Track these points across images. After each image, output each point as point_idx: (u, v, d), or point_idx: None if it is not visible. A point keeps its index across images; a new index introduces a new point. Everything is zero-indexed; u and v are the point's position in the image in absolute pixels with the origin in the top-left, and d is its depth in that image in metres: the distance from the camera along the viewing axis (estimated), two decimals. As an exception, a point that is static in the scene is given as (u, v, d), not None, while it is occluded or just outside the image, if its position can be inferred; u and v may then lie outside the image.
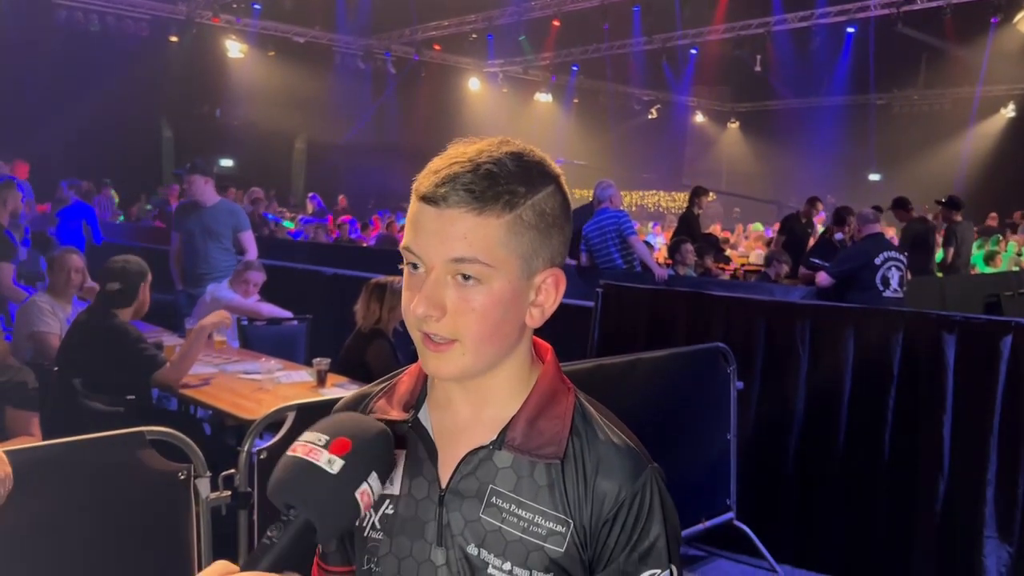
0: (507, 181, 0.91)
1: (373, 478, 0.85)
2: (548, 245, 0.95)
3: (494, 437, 0.98)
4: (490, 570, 0.95)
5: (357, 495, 0.83)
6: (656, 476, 0.98)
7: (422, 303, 0.91)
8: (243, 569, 0.77)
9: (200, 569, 2.20)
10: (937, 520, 3.48)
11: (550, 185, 0.95)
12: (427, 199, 0.92)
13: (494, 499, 0.96)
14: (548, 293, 0.97)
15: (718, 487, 3.86)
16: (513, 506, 0.96)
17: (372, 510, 0.99)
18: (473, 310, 0.91)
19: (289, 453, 0.85)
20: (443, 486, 0.98)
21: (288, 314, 5.36)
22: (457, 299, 0.91)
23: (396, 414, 1.01)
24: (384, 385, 1.09)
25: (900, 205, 8.51)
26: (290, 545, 0.80)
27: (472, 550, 0.96)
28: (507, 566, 0.95)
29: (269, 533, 0.80)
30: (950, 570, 3.46)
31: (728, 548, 3.97)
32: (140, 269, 3.83)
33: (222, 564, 0.79)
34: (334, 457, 0.83)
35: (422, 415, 1.02)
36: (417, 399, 1.03)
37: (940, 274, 8.31)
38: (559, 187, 0.96)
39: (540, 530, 0.95)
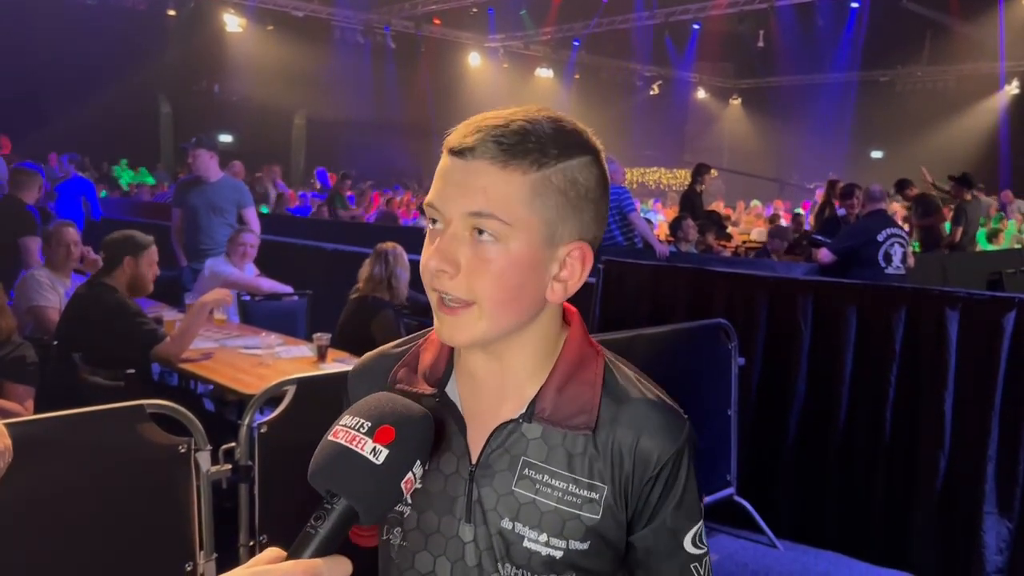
0: (539, 140, 0.88)
1: (417, 466, 0.84)
2: (577, 217, 0.92)
3: (523, 410, 0.96)
4: (525, 543, 0.94)
5: (402, 484, 0.83)
6: (690, 430, 1.00)
7: (435, 256, 0.89)
8: (289, 558, 0.77)
9: (200, 542, 2.21)
10: (937, 496, 3.49)
11: (586, 156, 0.92)
12: (454, 151, 0.89)
13: (526, 471, 0.95)
14: (573, 268, 0.93)
15: (718, 462, 3.87)
16: (546, 476, 0.94)
17: None
18: (489, 270, 0.88)
19: (330, 438, 0.83)
20: (473, 461, 0.96)
21: (288, 289, 5.35)
22: (472, 256, 0.88)
23: (423, 387, 0.99)
24: (403, 348, 1.06)
25: (902, 186, 8.52)
26: (333, 531, 0.79)
27: (506, 524, 0.94)
28: (543, 538, 0.94)
29: (312, 523, 0.80)
30: (950, 546, 3.47)
31: (728, 523, 3.98)
32: (127, 241, 3.77)
33: (273, 551, 0.78)
34: (379, 447, 0.81)
35: (449, 388, 1.00)
36: (444, 372, 1.00)
37: (947, 251, 8.30)
38: (597, 160, 0.93)
39: (575, 499, 0.94)
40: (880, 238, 5.73)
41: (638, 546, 0.97)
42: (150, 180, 15.13)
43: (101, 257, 3.79)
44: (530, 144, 0.88)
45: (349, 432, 0.82)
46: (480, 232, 0.88)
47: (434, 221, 0.91)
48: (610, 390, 0.97)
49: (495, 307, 0.90)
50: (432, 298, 0.92)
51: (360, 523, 0.82)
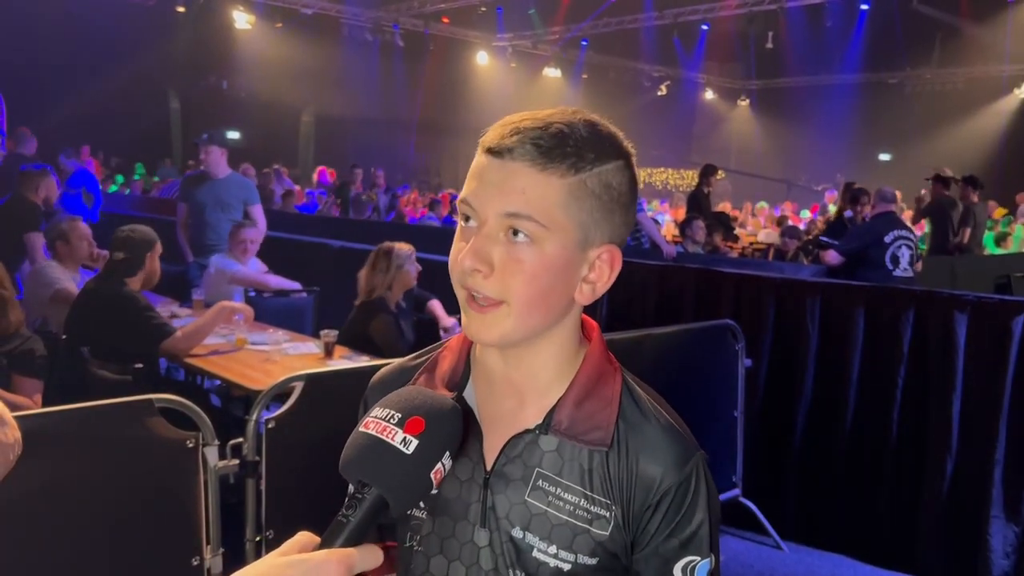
0: (576, 144, 0.89)
1: (446, 456, 0.85)
2: (609, 220, 0.92)
3: (540, 420, 0.96)
4: (535, 553, 0.94)
5: (432, 474, 0.83)
6: (703, 463, 0.97)
7: (469, 255, 0.89)
8: (321, 546, 0.78)
9: (208, 537, 2.22)
10: (944, 499, 3.48)
11: (620, 160, 0.93)
12: (492, 151, 0.90)
13: (540, 482, 0.95)
14: (602, 270, 0.94)
15: (724, 464, 3.86)
16: (559, 489, 0.95)
17: None
18: (523, 271, 0.89)
19: (361, 429, 0.84)
20: (488, 468, 0.97)
21: (296, 285, 5.35)
22: (506, 256, 0.89)
23: (442, 392, 0.99)
24: (423, 359, 1.07)
25: (939, 180, 8.53)
26: (364, 520, 0.80)
27: (517, 533, 0.95)
28: (552, 549, 0.94)
29: (344, 511, 0.81)
30: (956, 549, 3.46)
31: (734, 525, 3.97)
32: (146, 239, 3.81)
33: (305, 535, 0.78)
34: (409, 437, 0.82)
35: (467, 394, 1.00)
36: (461, 378, 1.01)
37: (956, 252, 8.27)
38: (629, 165, 0.94)
39: (586, 514, 0.95)
40: (887, 239, 5.72)
41: (633, 568, 0.97)
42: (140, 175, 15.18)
43: (122, 257, 3.76)
44: (568, 148, 0.88)
45: (380, 423, 0.83)
46: (516, 233, 0.88)
47: (467, 219, 0.92)
48: (624, 411, 0.97)
49: (525, 307, 0.90)
50: (461, 295, 0.93)
51: (390, 513, 0.82)
